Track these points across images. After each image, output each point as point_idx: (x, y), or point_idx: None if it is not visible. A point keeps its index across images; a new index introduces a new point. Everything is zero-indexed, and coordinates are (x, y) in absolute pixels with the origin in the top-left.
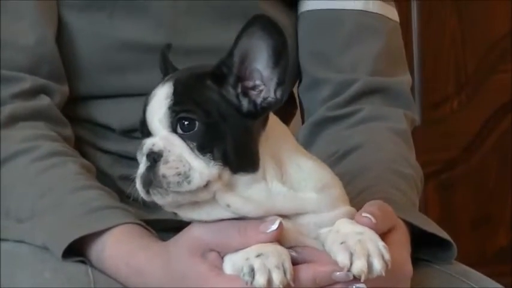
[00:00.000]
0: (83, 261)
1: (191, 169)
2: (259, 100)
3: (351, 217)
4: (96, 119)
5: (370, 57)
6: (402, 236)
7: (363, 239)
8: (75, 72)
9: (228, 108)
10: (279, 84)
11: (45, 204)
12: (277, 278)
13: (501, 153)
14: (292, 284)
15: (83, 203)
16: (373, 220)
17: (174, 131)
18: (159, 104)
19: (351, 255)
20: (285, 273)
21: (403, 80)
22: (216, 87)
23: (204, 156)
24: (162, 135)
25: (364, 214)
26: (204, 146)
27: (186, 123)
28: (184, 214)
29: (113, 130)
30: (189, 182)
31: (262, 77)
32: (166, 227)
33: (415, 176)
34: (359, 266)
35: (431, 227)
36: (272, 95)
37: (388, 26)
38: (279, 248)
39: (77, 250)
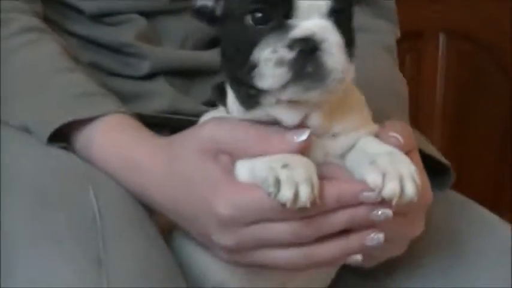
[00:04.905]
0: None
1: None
2: None
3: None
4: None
5: None
6: (420, 160)
7: (394, 160)
8: None
9: None
10: None
11: (27, 82)
12: (304, 192)
13: None
14: (318, 201)
15: (70, 85)
16: (401, 140)
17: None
18: None
19: (383, 176)
20: (312, 188)
21: None
22: None
23: (347, 52)
24: (317, 23)
25: (391, 133)
26: (350, 42)
27: (341, 15)
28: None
29: (82, 13)
30: (343, 79)
31: None
32: (152, 122)
33: (405, 95)
34: (392, 188)
35: (431, 150)
36: None
37: None
38: (306, 160)
39: (61, 136)
